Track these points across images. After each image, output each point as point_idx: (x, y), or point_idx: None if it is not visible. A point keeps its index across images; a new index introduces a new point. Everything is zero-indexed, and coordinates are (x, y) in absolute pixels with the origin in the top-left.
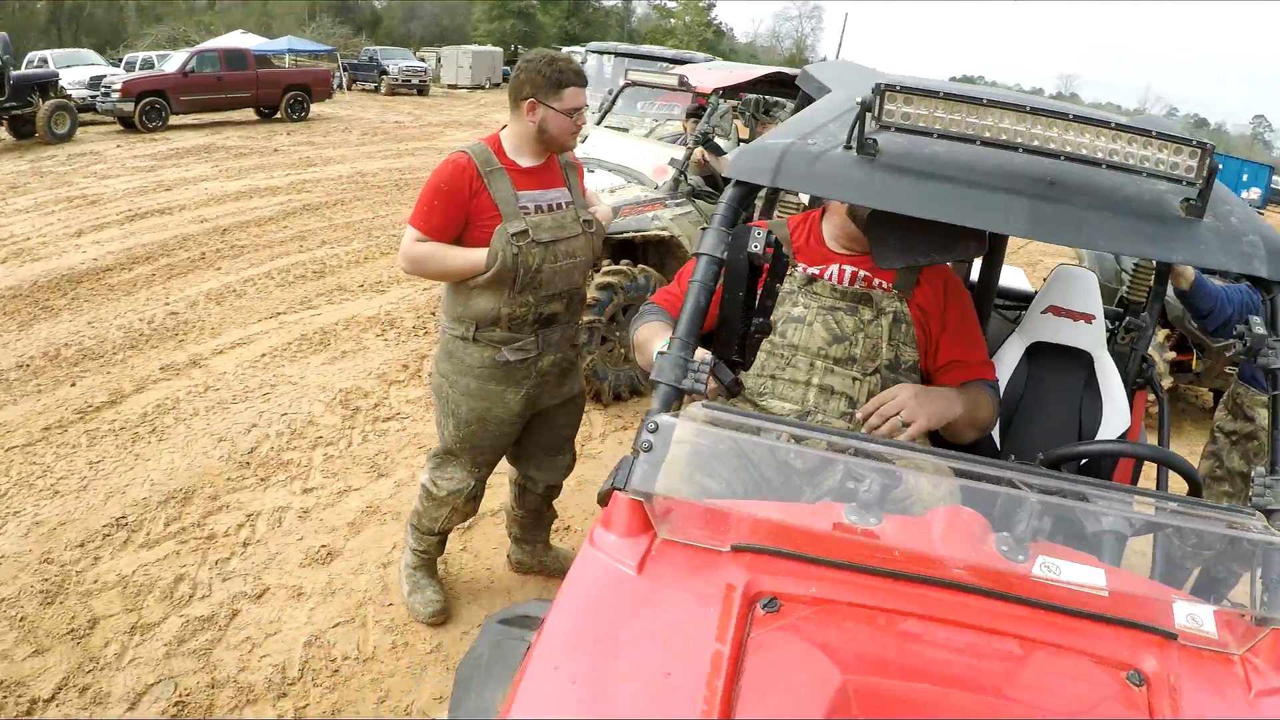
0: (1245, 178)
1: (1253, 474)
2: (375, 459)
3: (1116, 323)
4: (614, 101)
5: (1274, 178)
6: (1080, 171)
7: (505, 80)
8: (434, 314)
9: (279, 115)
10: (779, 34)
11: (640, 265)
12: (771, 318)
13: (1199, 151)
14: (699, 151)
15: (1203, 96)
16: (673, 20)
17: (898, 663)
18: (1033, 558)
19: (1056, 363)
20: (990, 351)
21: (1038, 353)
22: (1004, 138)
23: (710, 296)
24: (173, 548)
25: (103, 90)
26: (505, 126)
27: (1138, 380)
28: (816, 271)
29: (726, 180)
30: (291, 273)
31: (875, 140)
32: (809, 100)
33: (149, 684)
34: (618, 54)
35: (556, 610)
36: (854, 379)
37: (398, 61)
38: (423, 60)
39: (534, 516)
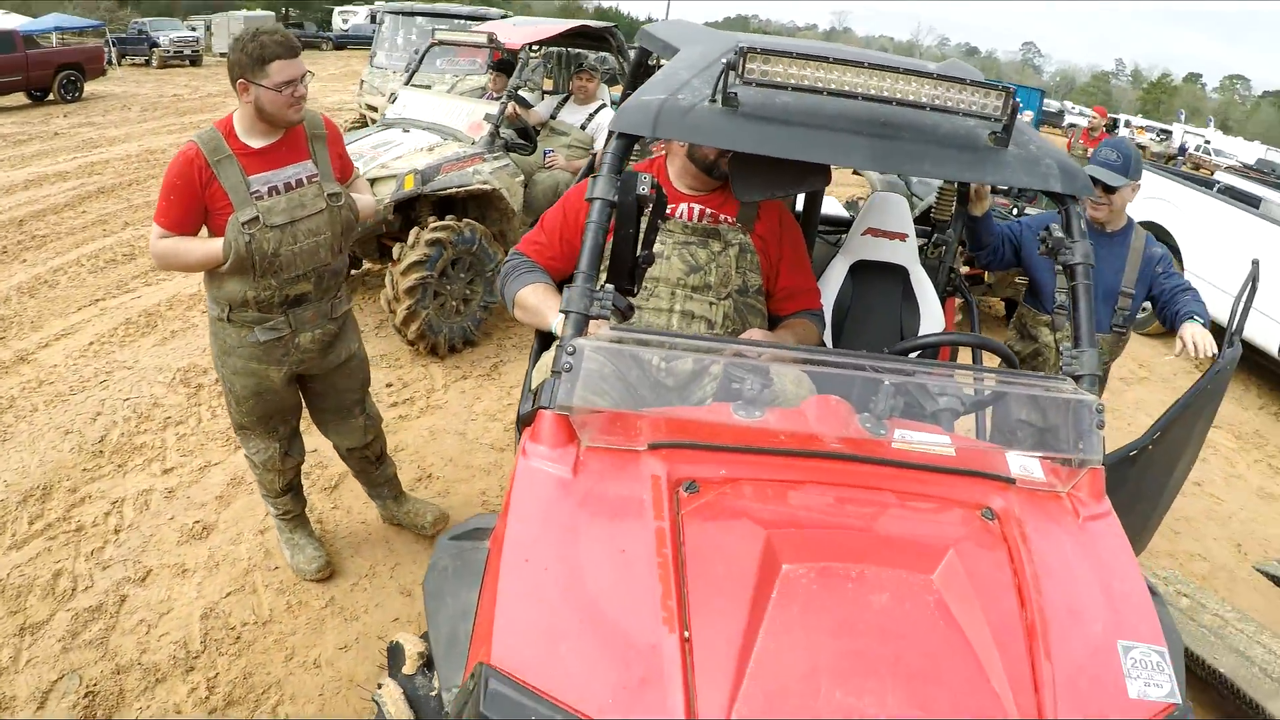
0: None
1: (1061, 347)
2: (227, 432)
3: (926, 240)
4: (420, 61)
5: (1045, 101)
6: (908, 114)
7: None
8: None
9: (51, 97)
10: None
11: (465, 219)
12: None
13: (1004, 94)
14: (512, 106)
15: (973, 23)
16: None
17: (803, 518)
18: (891, 431)
19: (878, 277)
20: (817, 271)
21: (860, 269)
22: (845, 89)
23: (605, 235)
24: (43, 545)
25: None
26: (236, 109)
27: (947, 289)
28: (669, 210)
29: (538, 130)
30: (101, 258)
31: (736, 94)
32: (647, 58)
33: (52, 681)
34: (414, 14)
35: (512, 516)
36: (710, 303)
37: (168, 33)
38: (193, 30)
39: (363, 476)
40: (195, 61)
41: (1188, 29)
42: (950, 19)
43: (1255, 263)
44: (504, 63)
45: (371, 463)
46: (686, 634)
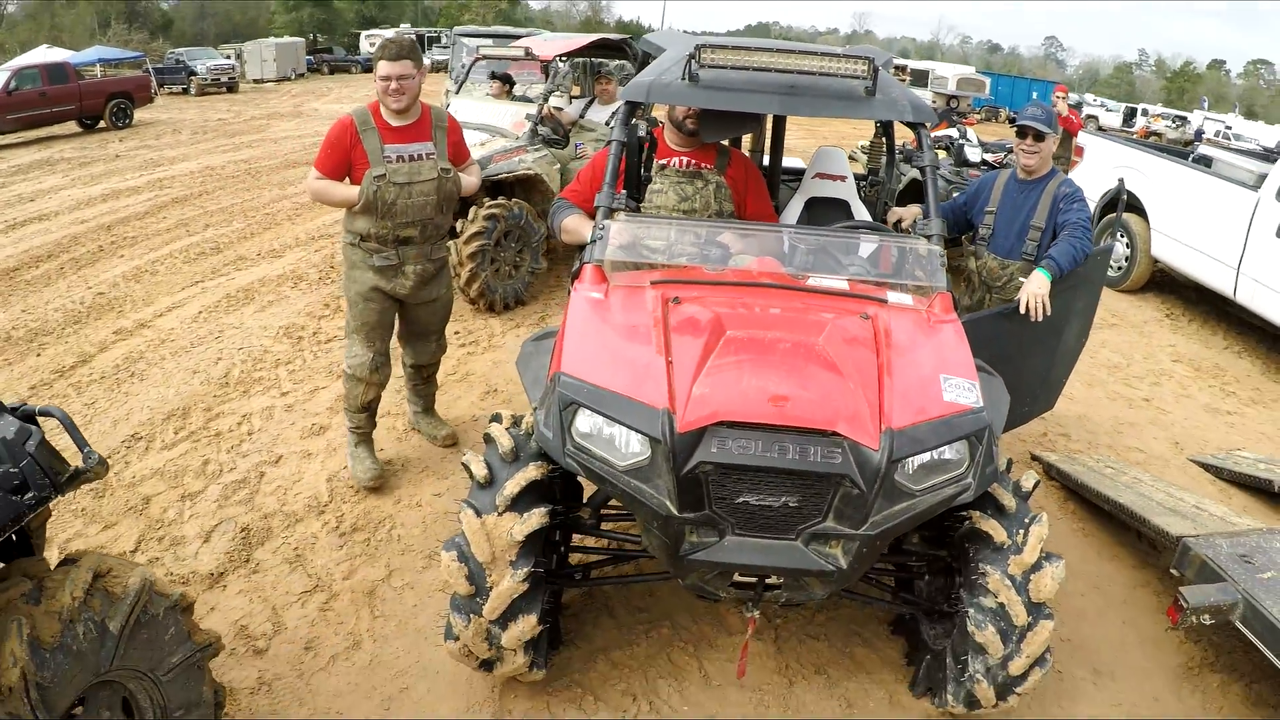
0: (1035, 95)
1: (917, 217)
2: (329, 367)
3: (864, 182)
4: (467, 74)
5: (1054, 90)
6: (807, 79)
7: (310, 70)
8: (332, 268)
9: (103, 124)
10: None
11: (514, 199)
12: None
13: (867, 62)
14: (548, 107)
15: (996, 21)
16: None
17: (742, 312)
18: (805, 276)
19: (826, 210)
20: (780, 208)
21: (813, 205)
22: (764, 66)
23: (620, 163)
24: (189, 445)
25: None
26: None
27: (883, 218)
28: (664, 162)
29: (570, 128)
30: (191, 251)
31: (698, 74)
32: (649, 57)
33: (213, 525)
34: (480, 35)
35: (569, 319)
36: None
37: (205, 62)
38: (228, 58)
39: (413, 385)
40: (232, 88)
41: (1211, 19)
42: (972, 18)
43: (1120, 180)
44: (506, 76)
45: (425, 379)
46: (670, 359)
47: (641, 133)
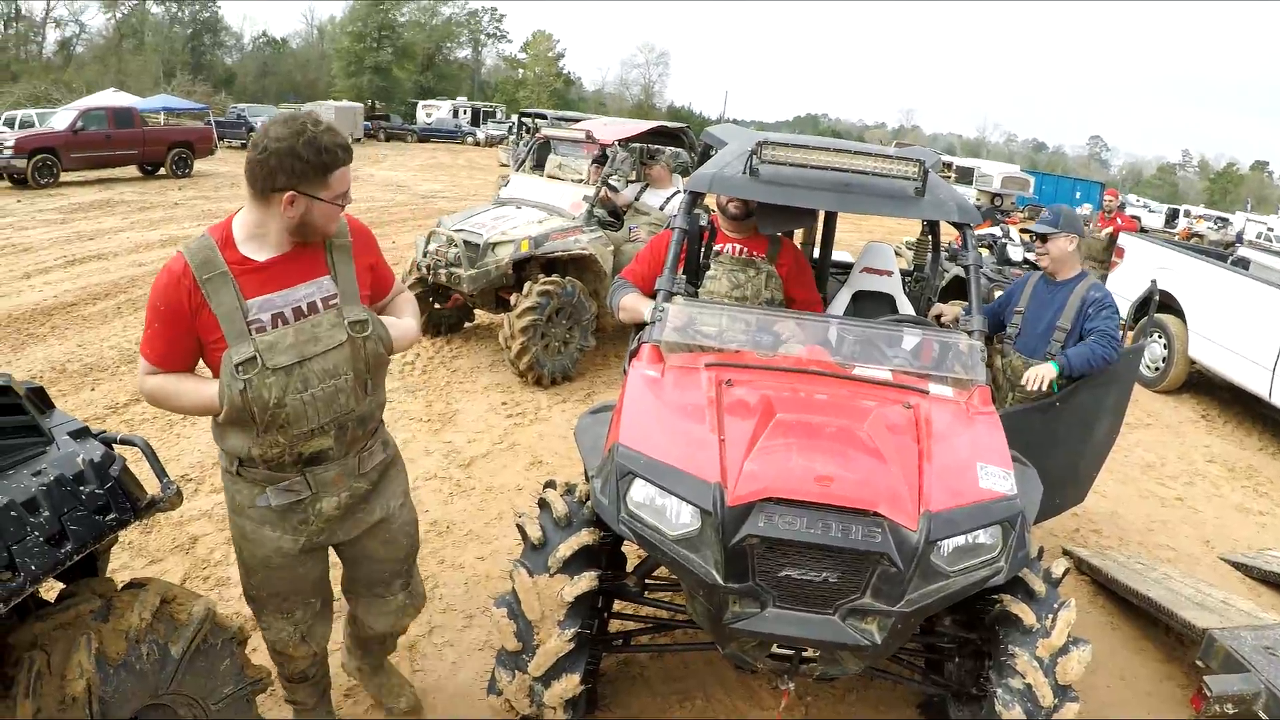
0: (1078, 195)
1: (960, 311)
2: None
3: (909, 277)
4: (528, 153)
5: (1104, 192)
6: (861, 178)
7: (367, 136)
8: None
9: (163, 171)
10: (626, 80)
11: (567, 277)
12: (698, 279)
13: (918, 163)
14: (604, 190)
15: (1041, 118)
16: (522, 71)
17: (793, 398)
18: (852, 365)
19: (872, 303)
20: (828, 300)
21: (860, 298)
22: (821, 165)
23: (680, 250)
24: None
25: None
26: (239, 211)
27: (926, 313)
28: (719, 248)
29: (625, 211)
30: None
31: (758, 169)
32: (710, 150)
33: None
34: (545, 117)
35: (627, 394)
36: None
37: (264, 119)
38: None
39: (360, 642)
40: None
41: (1256, 119)
42: (1018, 116)
43: (1153, 281)
44: (601, 157)
45: (381, 646)
46: (722, 437)
47: (703, 222)
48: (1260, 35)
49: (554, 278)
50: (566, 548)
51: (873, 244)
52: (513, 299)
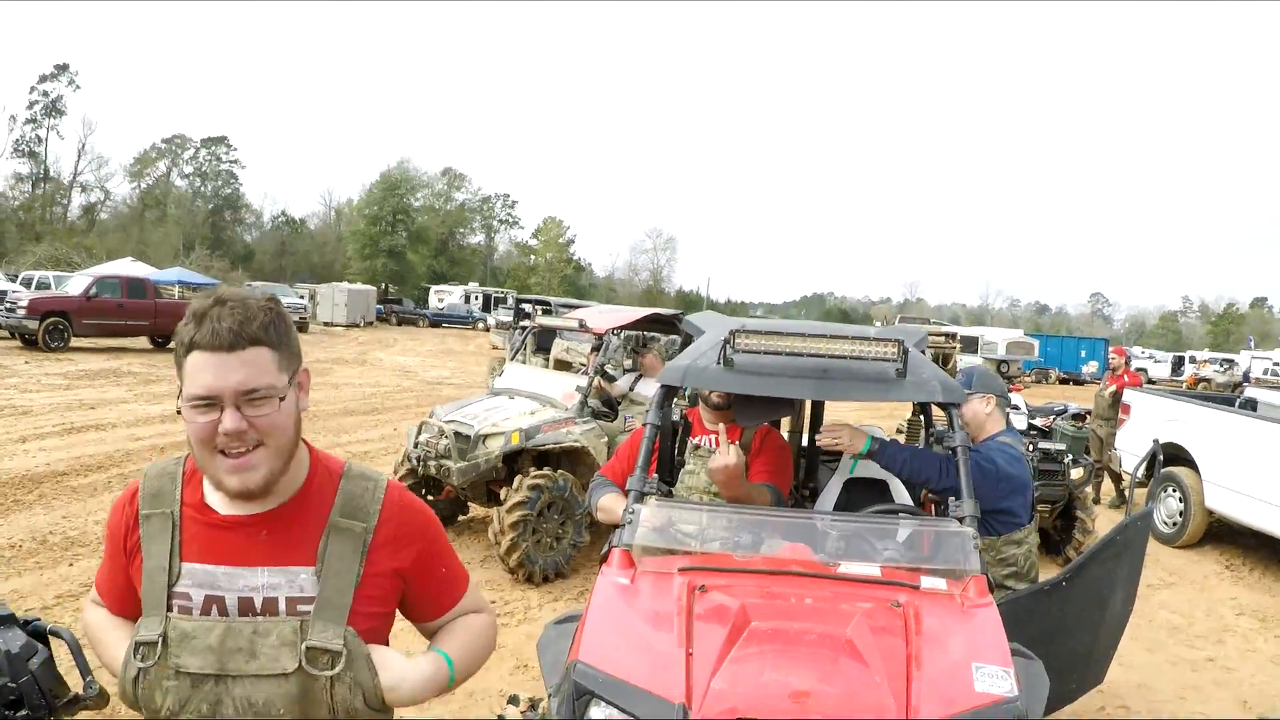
0: (1084, 353)
1: (950, 500)
2: None
3: None
4: (523, 341)
5: (1109, 350)
6: (839, 364)
7: (379, 319)
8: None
9: (173, 345)
10: (635, 266)
11: (559, 470)
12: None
13: (897, 344)
14: (598, 380)
15: (1042, 284)
16: (534, 257)
17: (771, 603)
18: (837, 563)
19: (865, 491)
20: (819, 489)
21: (852, 486)
22: (797, 351)
23: (654, 446)
24: None
25: (7, 305)
26: None
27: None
28: (697, 441)
29: (620, 401)
30: None
31: (733, 359)
32: (689, 338)
33: None
34: (548, 304)
35: (591, 605)
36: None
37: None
38: (301, 298)
39: None
40: (302, 328)
41: (1248, 246)
42: (1019, 279)
43: (1155, 441)
44: (596, 346)
45: None
46: (690, 650)
47: (675, 416)
48: (1241, 162)
49: (545, 471)
50: None
51: (864, 426)
52: (503, 493)
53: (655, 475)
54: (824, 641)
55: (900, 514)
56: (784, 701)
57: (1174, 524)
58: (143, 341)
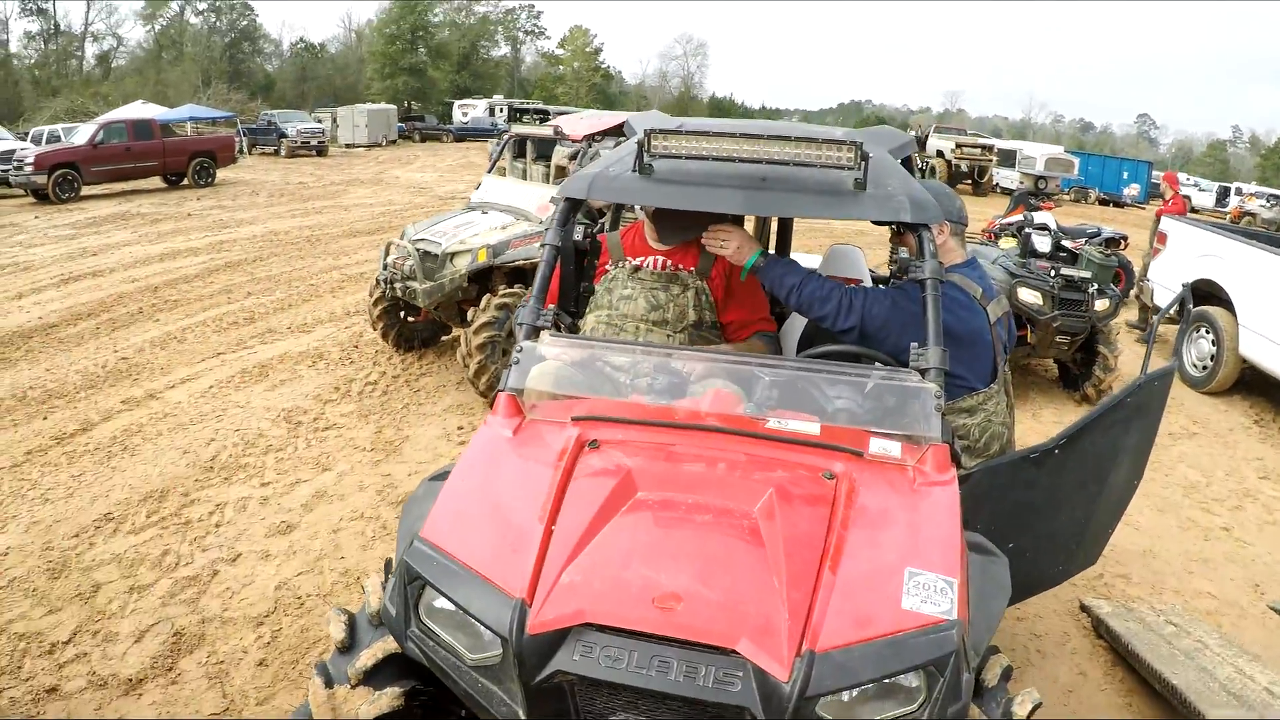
0: (1126, 175)
1: (912, 346)
2: (319, 458)
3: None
4: (500, 152)
5: (1154, 172)
6: (782, 170)
7: (401, 137)
8: (356, 347)
9: (186, 181)
10: (666, 73)
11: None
12: (610, 298)
13: (854, 147)
14: None
15: (1088, 102)
16: (561, 67)
17: (665, 466)
18: (767, 415)
19: None
20: (783, 317)
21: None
22: (725, 154)
23: (552, 271)
24: (156, 533)
25: (15, 164)
26: None
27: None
28: (639, 262)
29: (600, 214)
30: (224, 320)
31: (651, 164)
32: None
33: (150, 624)
34: (546, 113)
35: (460, 461)
36: (668, 335)
37: (295, 124)
38: (319, 122)
39: None
40: (321, 152)
41: None
42: (1064, 96)
43: (1184, 287)
44: (575, 153)
45: None
46: (553, 527)
47: (578, 236)
48: None
49: (515, 289)
50: (369, 656)
51: (837, 247)
52: (470, 313)
53: (553, 306)
54: (719, 524)
55: (861, 356)
56: (645, 607)
57: (1204, 368)
58: (156, 181)
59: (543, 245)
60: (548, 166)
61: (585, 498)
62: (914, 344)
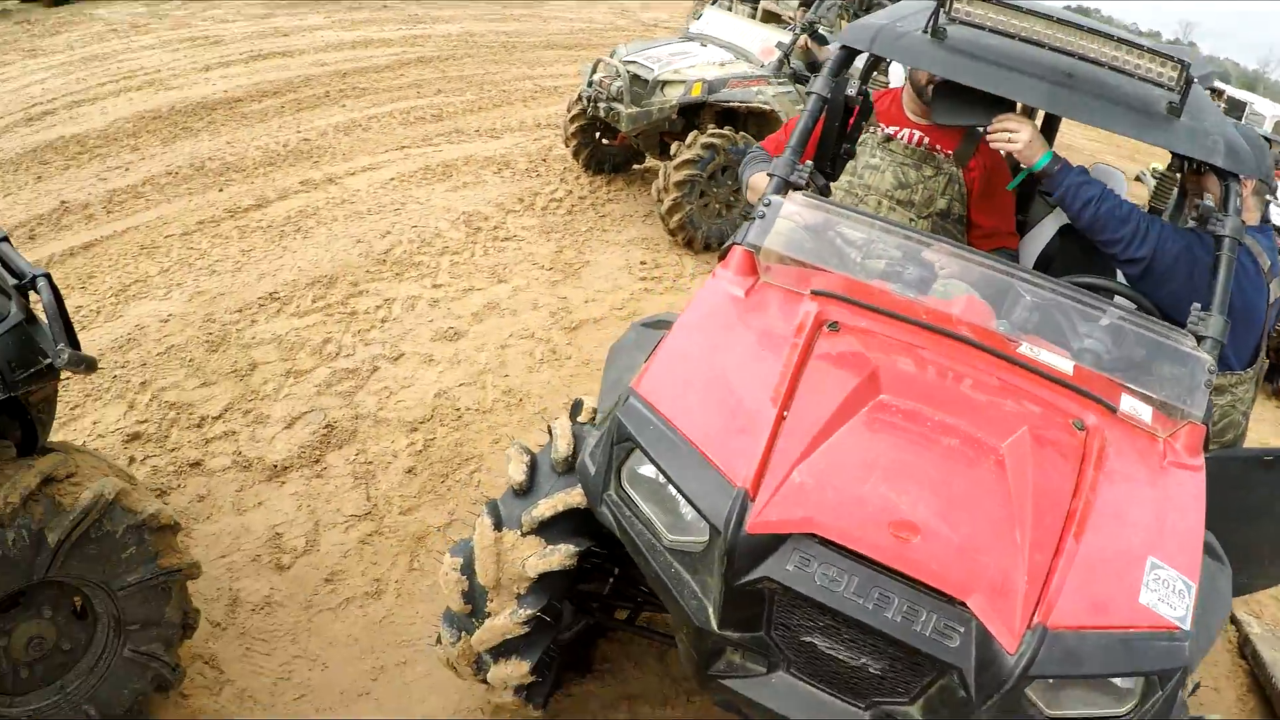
0: None
1: (1194, 307)
2: (495, 268)
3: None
4: None
5: None
6: (1093, 70)
7: None
8: (545, 161)
9: None
10: None
11: (741, 132)
12: (854, 164)
13: (1179, 66)
14: (804, 38)
15: None
16: None
17: (913, 370)
18: (1021, 340)
19: (1083, 246)
20: (1031, 225)
21: (1068, 234)
22: (1036, 38)
23: (815, 124)
24: (320, 318)
25: None
26: None
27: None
28: (892, 131)
29: (852, 53)
30: (411, 114)
31: (945, 29)
32: None
33: (302, 412)
34: None
35: (685, 315)
36: (910, 219)
37: None
38: None
39: None
40: None
41: None
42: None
43: None
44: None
45: None
46: (785, 413)
47: (852, 92)
48: None
49: (725, 130)
50: (549, 506)
51: (1099, 166)
52: (673, 147)
53: (810, 162)
54: (966, 454)
55: (1128, 298)
56: (877, 531)
57: None
58: None
59: (809, 93)
60: (755, 6)
61: (823, 386)
62: (1195, 305)
